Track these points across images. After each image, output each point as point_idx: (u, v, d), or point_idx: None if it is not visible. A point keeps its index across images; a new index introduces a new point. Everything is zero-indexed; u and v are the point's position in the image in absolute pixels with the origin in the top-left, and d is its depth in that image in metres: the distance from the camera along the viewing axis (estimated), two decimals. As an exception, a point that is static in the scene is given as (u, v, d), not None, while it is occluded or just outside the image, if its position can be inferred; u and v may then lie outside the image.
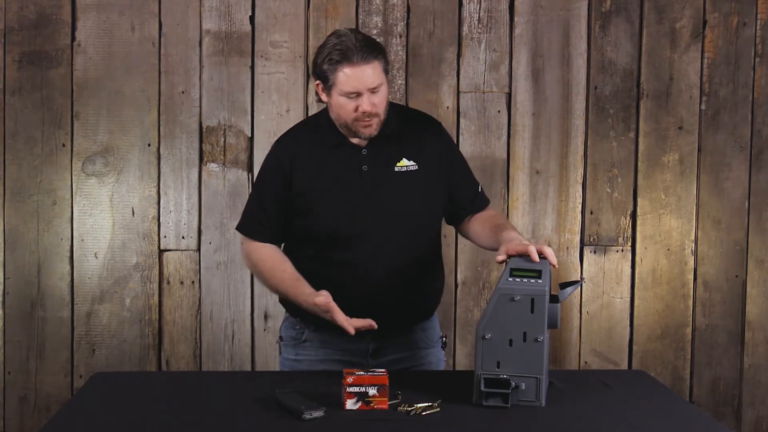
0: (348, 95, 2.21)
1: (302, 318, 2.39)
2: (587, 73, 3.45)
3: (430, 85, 3.41)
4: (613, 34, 3.45)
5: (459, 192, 2.42)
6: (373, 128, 2.25)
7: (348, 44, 2.18)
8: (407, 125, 2.37)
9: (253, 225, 2.40)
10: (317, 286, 2.24)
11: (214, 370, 3.38)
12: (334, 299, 2.21)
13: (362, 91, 2.20)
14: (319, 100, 2.33)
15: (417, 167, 2.33)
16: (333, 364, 2.35)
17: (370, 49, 2.19)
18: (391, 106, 2.33)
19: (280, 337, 2.47)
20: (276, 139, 2.46)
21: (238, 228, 2.44)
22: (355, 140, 2.31)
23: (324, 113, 2.36)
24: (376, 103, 2.22)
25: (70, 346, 3.39)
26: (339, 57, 2.18)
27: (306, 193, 2.31)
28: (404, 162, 2.33)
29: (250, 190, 2.47)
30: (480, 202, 2.46)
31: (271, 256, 2.36)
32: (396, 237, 2.30)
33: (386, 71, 2.25)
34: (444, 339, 2.49)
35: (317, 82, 2.27)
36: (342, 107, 2.23)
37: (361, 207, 2.29)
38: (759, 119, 3.49)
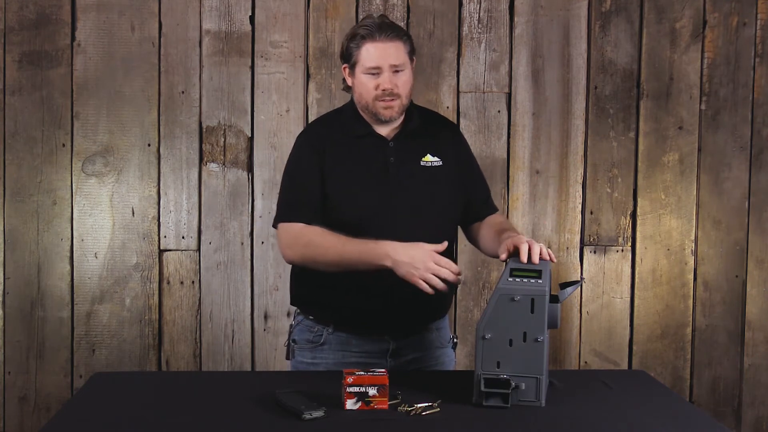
0: (370, 71, 2.26)
1: (320, 319, 2.38)
2: (587, 73, 3.45)
3: (430, 85, 3.41)
4: (613, 34, 3.45)
5: (472, 194, 2.44)
6: (394, 110, 2.29)
7: (374, 24, 2.26)
8: (428, 124, 2.41)
9: (297, 209, 2.31)
10: (340, 278, 2.25)
11: (214, 370, 3.38)
12: (357, 292, 2.23)
13: (383, 67, 2.25)
14: (344, 89, 2.37)
15: (441, 164, 2.36)
16: (352, 367, 2.32)
17: (393, 29, 2.27)
18: (414, 106, 2.38)
19: (293, 341, 2.43)
20: (305, 128, 2.48)
21: (281, 218, 2.34)
22: (381, 131, 2.34)
23: (348, 106, 2.39)
24: (397, 84, 2.26)
25: (70, 346, 3.39)
26: (364, 33, 2.26)
27: (334, 183, 2.31)
28: (429, 158, 2.36)
29: (281, 184, 2.41)
30: (490, 208, 2.48)
31: (325, 231, 2.26)
32: (421, 231, 2.30)
33: (411, 56, 2.30)
34: (455, 339, 2.51)
35: (344, 65, 2.33)
36: (363, 85, 2.28)
37: (389, 199, 2.30)
38: (759, 119, 3.49)
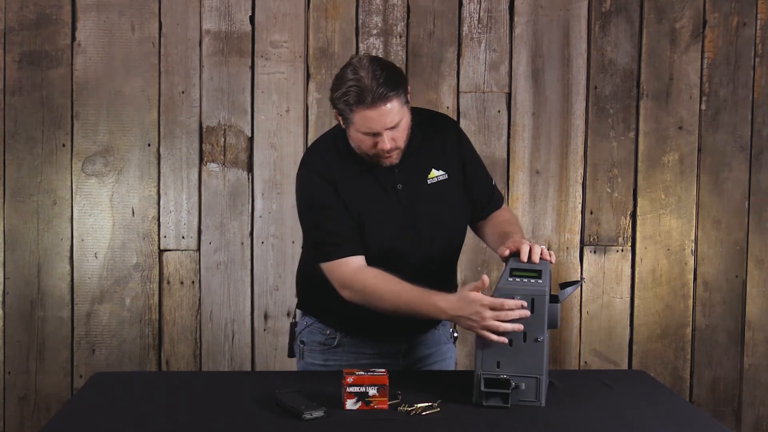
0: (366, 134, 2.16)
1: (332, 323, 2.37)
2: (587, 73, 3.45)
3: (430, 85, 3.41)
4: (613, 34, 3.45)
5: (477, 192, 2.41)
6: (393, 158, 2.22)
7: (364, 83, 2.09)
8: (428, 134, 2.33)
9: (337, 245, 2.22)
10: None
11: (214, 370, 3.38)
12: (372, 311, 2.19)
13: (380, 131, 2.14)
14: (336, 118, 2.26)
15: (447, 176, 2.32)
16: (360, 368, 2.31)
17: (387, 87, 2.10)
18: (411, 116, 2.26)
19: (302, 342, 2.42)
20: (303, 163, 2.34)
21: (324, 258, 2.24)
22: None
23: (342, 132, 2.27)
24: (396, 138, 2.17)
25: (70, 346, 3.39)
26: (354, 99, 2.10)
27: (350, 215, 2.25)
28: (434, 173, 2.31)
29: (304, 223, 2.31)
30: (496, 201, 2.46)
31: (378, 273, 2.19)
32: (437, 246, 2.30)
33: (407, 101, 2.17)
34: (456, 334, 2.51)
35: (335, 111, 2.20)
36: (362, 142, 2.18)
37: (403, 227, 2.27)
38: (759, 119, 3.49)
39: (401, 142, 2.20)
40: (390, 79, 2.12)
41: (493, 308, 1.98)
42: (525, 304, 1.97)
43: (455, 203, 2.34)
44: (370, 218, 2.26)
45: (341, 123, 2.22)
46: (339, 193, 2.24)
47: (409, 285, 2.15)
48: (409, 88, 2.20)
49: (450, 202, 2.33)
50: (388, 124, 2.13)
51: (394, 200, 2.27)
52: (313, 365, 2.40)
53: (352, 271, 2.22)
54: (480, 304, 2.00)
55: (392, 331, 2.33)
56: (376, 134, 2.15)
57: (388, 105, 2.11)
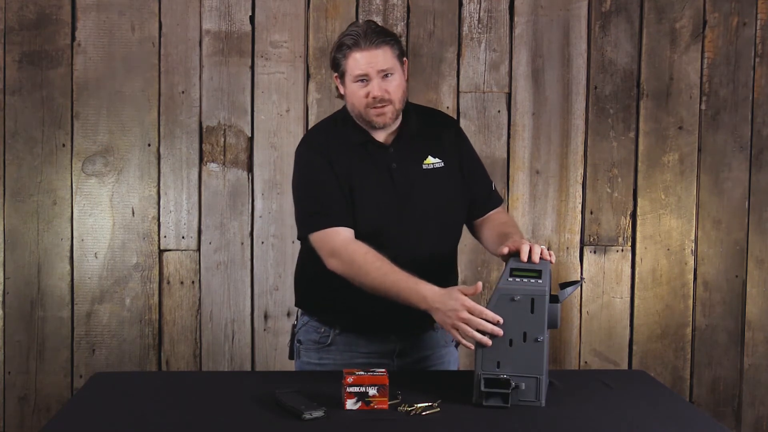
0: (358, 79, 2.24)
1: (326, 321, 2.37)
2: (587, 73, 3.45)
3: (430, 85, 3.41)
4: (613, 34, 3.45)
5: (475, 191, 2.42)
6: (387, 117, 2.26)
7: (359, 32, 2.24)
8: (427, 124, 2.38)
9: (326, 215, 2.24)
10: (345, 282, 2.22)
11: (214, 370, 3.38)
12: (362, 295, 2.20)
13: (371, 74, 2.23)
14: (338, 96, 2.35)
15: (443, 165, 2.34)
16: (358, 368, 2.31)
17: (379, 34, 2.24)
18: (411, 107, 2.36)
19: (299, 341, 2.43)
20: (302, 140, 2.40)
21: (312, 227, 2.27)
22: (378, 136, 2.31)
23: (341, 114, 2.36)
24: (388, 90, 2.24)
25: (70, 346, 3.39)
26: (349, 42, 2.24)
27: (343, 192, 2.28)
28: (430, 160, 2.34)
29: (298, 195, 2.34)
30: (494, 201, 2.46)
31: (369, 251, 2.20)
32: (428, 235, 2.30)
33: (401, 59, 2.27)
34: None
35: (335, 74, 2.31)
36: (354, 94, 2.26)
37: (396, 206, 2.28)
38: (759, 119, 3.49)
39: (395, 97, 2.26)
40: (384, 31, 2.27)
41: (471, 312, 2.01)
42: (501, 321, 1.98)
43: (450, 194, 2.35)
44: (361, 195, 2.27)
45: (340, 87, 2.30)
46: (334, 169, 2.27)
47: (398, 268, 2.17)
48: (406, 55, 2.31)
49: (445, 192, 2.33)
50: (379, 66, 2.22)
51: (387, 180, 2.29)
52: (309, 364, 2.40)
53: (344, 241, 2.24)
54: (460, 303, 2.03)
55: (387, 329, 2.33)
56: (368, 81, 2.23)
57: (380, 50, 2.23)
